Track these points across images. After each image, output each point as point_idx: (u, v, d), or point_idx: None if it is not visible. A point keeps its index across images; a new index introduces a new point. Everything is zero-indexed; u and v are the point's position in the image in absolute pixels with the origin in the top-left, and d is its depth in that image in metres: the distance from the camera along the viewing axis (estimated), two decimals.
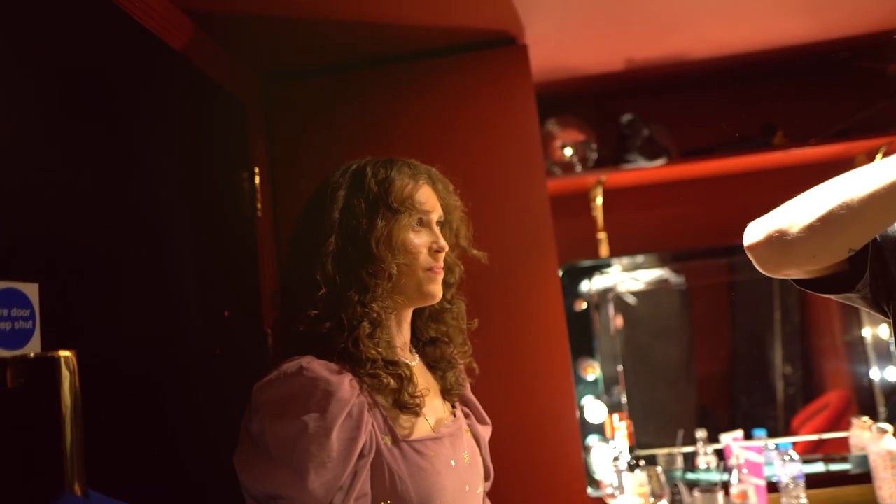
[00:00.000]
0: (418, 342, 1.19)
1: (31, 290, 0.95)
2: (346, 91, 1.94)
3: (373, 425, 0.98)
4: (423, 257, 1.07)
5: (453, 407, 1.18)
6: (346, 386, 0.96)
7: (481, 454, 1.18)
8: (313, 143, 1.95)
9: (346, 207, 1.07)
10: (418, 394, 1.03)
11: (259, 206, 1.81)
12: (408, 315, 1.12)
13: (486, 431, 1.22)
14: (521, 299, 1.79)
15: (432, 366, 1.18)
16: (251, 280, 1.79)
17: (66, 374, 0.93)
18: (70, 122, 1.13)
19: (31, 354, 0.92)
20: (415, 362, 1.13)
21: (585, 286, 2.49)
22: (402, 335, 1.12)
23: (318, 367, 0.97)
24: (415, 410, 1.03)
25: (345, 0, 1.60)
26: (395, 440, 1.00)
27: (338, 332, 1.01)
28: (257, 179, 1.82)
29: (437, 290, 1.10)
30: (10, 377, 0.89)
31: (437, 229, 1.11)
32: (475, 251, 1.20)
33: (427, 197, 1.10)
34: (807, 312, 2.59)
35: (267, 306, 1.75)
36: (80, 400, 0.93)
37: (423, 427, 1.06)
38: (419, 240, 1.08)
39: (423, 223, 1.09)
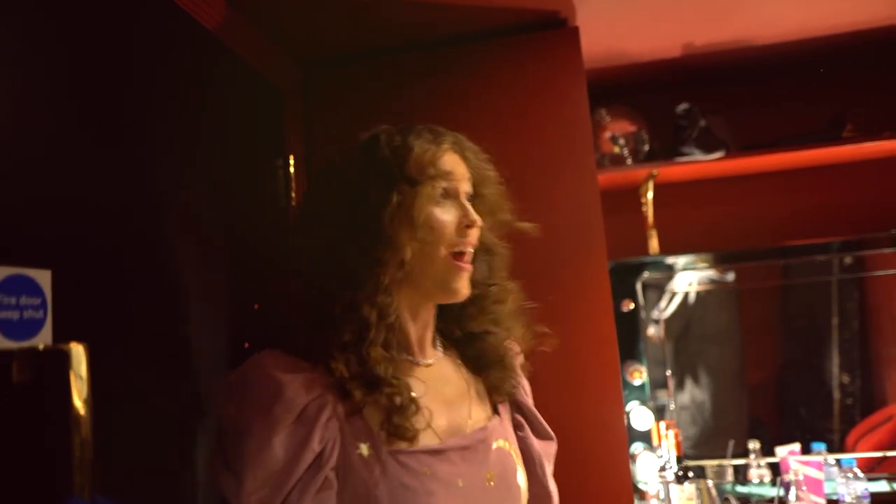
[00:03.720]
0: (455, 339, 1.03)
1: (43, 277, 0.89)
2: (386, 77, 1.86)
3: (341, 430, 0.84)
4: (449, 235, 0.91)
5: (496, 412, 1.01)
6: (296, 385, 0.84)
7: (536, 473, 1.01)
8: (351, 131, 1.88)
9: (355, 181, 0.91)
10: (413, 420, 0.87)
11: (293, 194, 1.75)
12: (427, 308, 0.97)
13: (548, 448, 1.06)
14: (568, 297, 1.69)
15: (474, 365, 1.02)
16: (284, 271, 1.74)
17: (77, 368, 0.86)
18: (102, 102, 1.08)
19: (41, 346, 0.86)
20: (431, 361, 0.97)
21: (633, 285, 2.37)
22: (420, 331, 0.96)
23: (273, 361, 0.86)
24: (406, 437, 0.86)
25: None
26: (376, 450, 0.85)
27: (321, 339, 0.88)
28: (292, 167, 1.77)
29: (463, 288, 0.93)
30: (15, 370, 0.82)
31: (466, 202, 0.94)
32: (523, 224, 1.02)
33: (453, 164, 0.94)
34: (868, 320, 2.44)
35: None
36: (90, 397, 0.87)
37: (424, 436, 0.89)
38: (445, 215, 0.92)
39: (449, 194, 0.93)
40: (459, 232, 0.92)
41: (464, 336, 1.03)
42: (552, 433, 1.07)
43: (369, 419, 0.86)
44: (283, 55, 1.81)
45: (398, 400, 0.87)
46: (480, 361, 1.02)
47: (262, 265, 1.63)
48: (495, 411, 1.02)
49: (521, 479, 0.98)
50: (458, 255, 0.92)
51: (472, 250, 0.94)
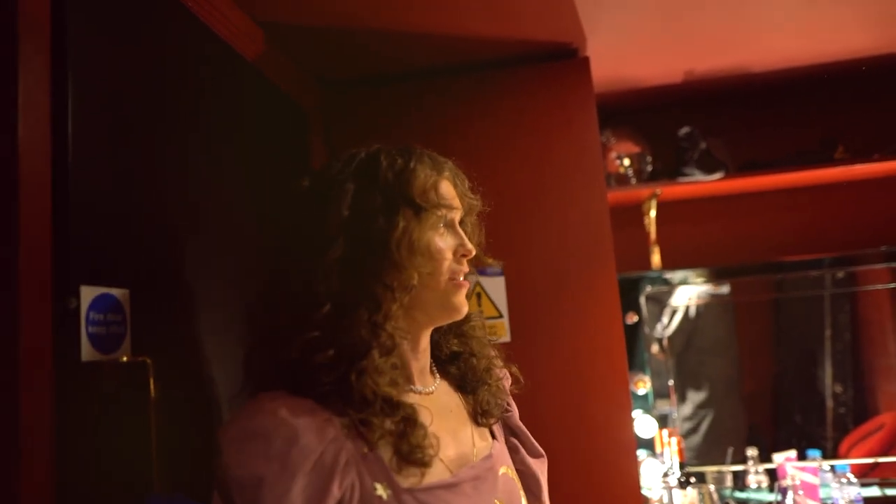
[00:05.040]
0: (439, 360, 1.02)
1: (123, 296, 0.98)
2: (406, 102, 1.95)
3: (358, 474, 0.80)
4: (449, 263, 0.91)
5: (493, 437, 1.01)
6: (311, 430, 0.79)
7: (537, 495, 1.03)
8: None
9: (357, 203, 0.87)
10: (426, 443, 0.84)
11: None
12: (426, 334, 0.95)
13: (540, 465, 1.06)
14: (580, 309, 1.79)
15: (460, 386, 1.01)
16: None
17: (156, 378, 0.95)
18: (153, 128, 1.16)
19: (124, 359, 0.95)
20: (432, 388, 0.96)
21: (636, 299, 2.47)
22: (420, 359, 0.95)
23: (284, 404, 0.80)
24: (421, 462, 0.84)
25: (408, 12, 1.61)
26: (395, 490, 0.81)
27: (337, 361, 0.82)
28: None
29: (464, 303, 0.93)
30: (104, 380, 0.91)
31: (461, 231, 0.94)
32: (490, 260, 1.02)
33: (451, 193, 0.94)
34: (859, 332, 2.54)
35: None
36: (169, 405, 0.96)
37: (435, 470, 0.86)
38: (444, 243, 0.91)
39: (447, 223, 0.93)
40: (457, 260, 0.92)
41: (443, 357, 1.02)
42: (542, 451, 1.08)
43: (383, 455, 0.83)
44: (309, 79, 1.91)
45: (410, 425, 0.84)
46: (465, 383, 1.01)
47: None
48: (492, 435, 1.01)
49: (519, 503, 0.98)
50: (458, 281, 0.93)
51: (467, 271, 0.95)
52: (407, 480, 0.83)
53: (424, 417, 0.88)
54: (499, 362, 1.04)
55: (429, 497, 0.83)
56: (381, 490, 0.80)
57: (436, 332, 0.98)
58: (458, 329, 1.01)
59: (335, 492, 0.78)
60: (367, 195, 0.87)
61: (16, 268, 0.80)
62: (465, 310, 0.93)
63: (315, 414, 0.80)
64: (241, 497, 0.77)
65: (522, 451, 1.04)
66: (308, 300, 0.84)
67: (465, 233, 0.96)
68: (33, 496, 0.79)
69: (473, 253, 0.93)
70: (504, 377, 1.06)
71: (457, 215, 0.95)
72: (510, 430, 1.05)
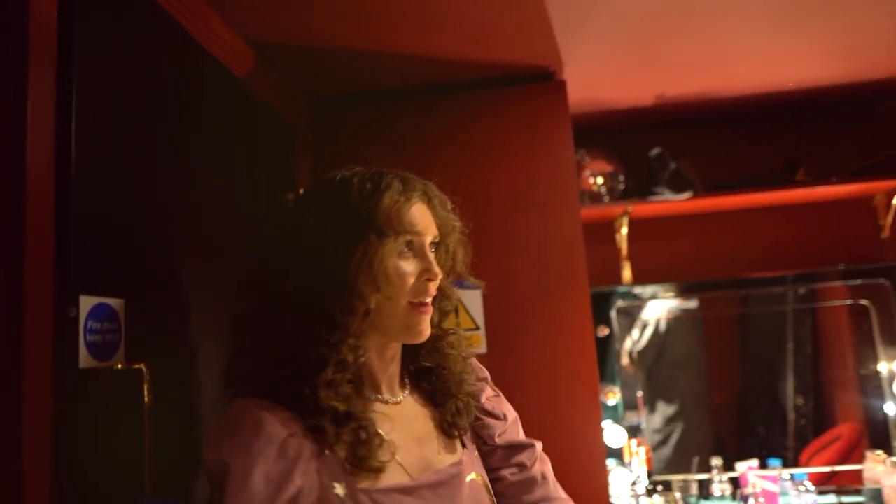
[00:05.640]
0: (411, 372, 1.05)
1: (119, 305, 1.02)
2: (389, 120, 2.00)
3: (318, 470, 0.86)
4: (411, 286, 0.93)
5: (464, 446, 1.03)
6: (274, 421, 0.85)
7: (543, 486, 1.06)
8: (352, 166, 2.02)
9: (322, 228, 0.92)
10: (378, 452, 0.89)
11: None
12: (394, 347, 0.99)
13: (540, 462, 1.09)
14: (554, 322, 1.85)
15: (431, 397, 1.04)
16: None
17: (149, 385, 1.00)
18: (149, 145, 1.19)
19: (119, 366, 0.99)
20: (400, 398, 1.00)
21: (607, 312, 2.55)
22: (388, 370, 0.99)
23: (254, 405, 0.87)
24: (372, 468, 0.88)
25: (393, 34, 1.67)
26: (352, 490, 0.86)
27: (296, 376, 0.88)
28: None
29: (425, 329, 0.95)
30: (100, 386, 0.95)
31: (430, 254, 0.95)
32: (472, 279, 1.05)
33: (421, 216, 0.95)
34: (820, 345, 2.64)
35: None
36: (161, 410, 1.00)
37: (393, 473, 0.91)
38: (408, 267, 0.93)
39: (414, 247, 0.94)
40: (420, 284, 0.94)
41: (416, 370, 1.05)
42: (531, 441, 1.11)
43: (341, 456, 0.88)
44: (295, 96, 1.96)
45: (363, 434, 0.88)
46: (436, 396, 1.03)
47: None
48: (463, 445, 1.03)
49: None
50: (419, 304, 0.94)
51: (431, 297, 0.96)
52: (363, 482, 0.87)
53: (382, 426, 0.93)
54: (472, 377, 1.06)
55: (384, 498, 0.87)
56: (339, 489, 0.85)
57: (408, 345, 1.01)
58: (432, 345, 1.02)
59: (297, 480, 0.83)
60: (334, 220, 0.92)
61: (22, 278, 0.85)
62: (425, 333, 0.95)
63: (280, 413, 0.87)
64: (214, 485, 0.83)
65: (519, 458, 1.07)
66: (273, 319, 0.91)
67: (447, 253, 1.00)
68: (33, 495, 0.83)
69: (438, 277, 0.95)
70: (481, 390, 1.08)
71: (427, 238, 0.96)
72: (506, 446, 1.07)
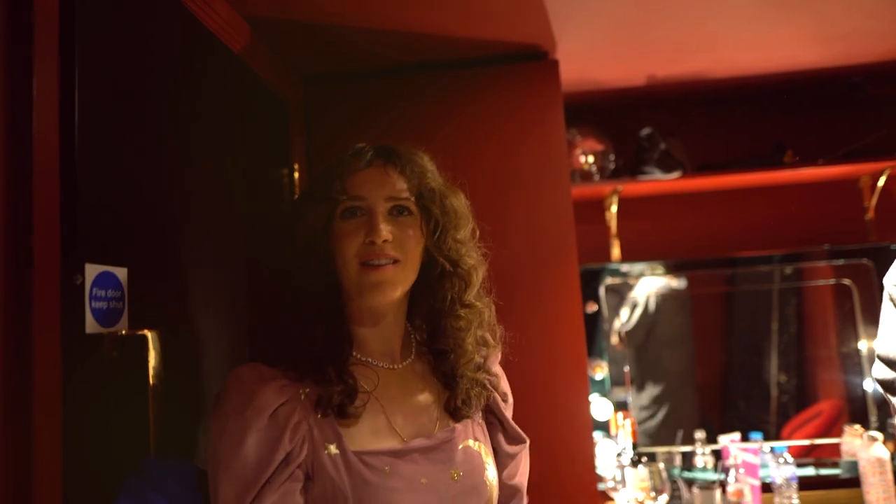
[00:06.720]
0: (419, 341, 1.09)
1: (122, 274, 1.06)
2: (382, 96, 2.02)
3: (309, 431, 0.92)
4: (354, 249, 0.96)
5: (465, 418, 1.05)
6: (268, 391, 0.91)
7: (499, 474, 1.07)
8: (348, 144, 2.04)
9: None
10: (357, 402, 0.94)
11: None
12: (385, 312, 1.02)
13: (515, 450, 1.12)
14: (544, 297, 1.89)
15: (442, 376, 1.06)
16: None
17: (153, 350, 1.04)
18: (150, 119, 1.22)
19: (123, 332, 1.03)
20: (397, 366, 1.03)
21: (596, 289, 2.61)
22: (381, 335, 1.03)
23: (248, 372, 0.94)
24: (347, 414, 0.93)
25: (386, 9, 1.69)
26: (343, 450, 0.92)
27: (290, 343, 0.97)
28: (297, 175, 1.92)
29: (378, 290, 0.97)
30: (105, 351, 0.99)
31: (378, 217, 0.96)
32: (474, 259, 1.06)
33: (366, 182, 0.98)
34: (804, 325, 2.69)
35: None
36: (162, 374, 1.04)
37: (384, 438, 0.96)
38: (348, 229, 0.97)
39: (361, 211, 0.98)
40: (365, 247, 0.96)
41: (432, 351, 1.08)
42: (524, 437, 1.14)
43: (338, 421, 0.94)
44: (290, 72, 1.97)
45: (342, 386, 0.94)
46: (447, 378, 1.06)
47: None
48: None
49: (492, 476, 1.03)
50: (368, 265, 0.97)
51: (386, 261, 0.97)
52: (356, 444, 0.93)
53: (367, 382, 0.98)
54: (493, 365, 1.10)
55: (374, 460, 0.92)
56: (331, 449, 0.92)
57: (425, 321, 1.07)
58: (437, 322, 1.05)
59: (286, 444, 0.89)
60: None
61: (30, 247, 0.88)
62: (379, 293, 0.97)
63: (276, 380, 0.93)
64: (210, 450, 0.91)
65: (500, 434, 1.11)
66: (272, 291, 1.03)
67: (433, 219, 1.01)
68: (43, 455, 0.87)
69: (379, 239, 0.95)
70: (499, 375, 1.12)
71: (375, 203, 0.97)
72: (489, 410, 1.10)
